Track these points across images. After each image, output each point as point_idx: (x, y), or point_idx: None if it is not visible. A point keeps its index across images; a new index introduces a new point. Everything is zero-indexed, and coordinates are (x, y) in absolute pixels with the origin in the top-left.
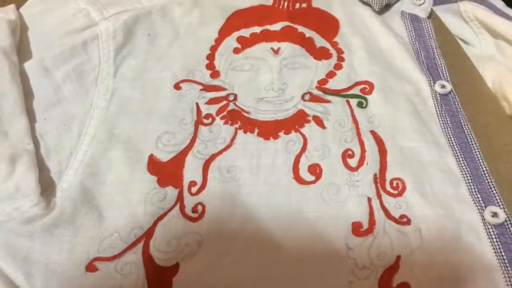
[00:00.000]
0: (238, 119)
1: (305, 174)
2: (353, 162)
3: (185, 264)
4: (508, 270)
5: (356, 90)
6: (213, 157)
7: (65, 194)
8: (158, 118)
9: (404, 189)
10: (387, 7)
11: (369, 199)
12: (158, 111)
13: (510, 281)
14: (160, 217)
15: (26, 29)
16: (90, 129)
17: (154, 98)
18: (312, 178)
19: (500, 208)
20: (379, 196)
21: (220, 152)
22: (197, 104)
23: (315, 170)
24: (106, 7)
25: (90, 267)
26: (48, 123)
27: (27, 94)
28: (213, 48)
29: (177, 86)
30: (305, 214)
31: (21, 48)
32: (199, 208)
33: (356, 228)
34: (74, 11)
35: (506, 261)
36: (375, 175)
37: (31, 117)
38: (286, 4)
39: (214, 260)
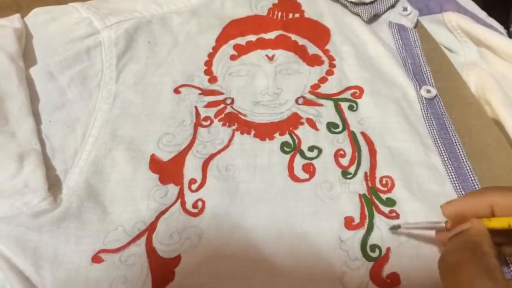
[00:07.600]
0: (235, 121)
1: (299, 173)
2: (344, 161)
3: (187, 256)
4: None
5: (347, 95)
6: (211, 156)
7: (71, 191)
8: (159, 121)
9: (393, 186)
10: (375, 17)
11: (360, 196)
12: (158, 113)
13: None
14: (162, 212)
15: (31, 37)
16: (94, 130)
17: (155, 102)
18: (306, 176)
19: None
20: (369, 193)
21: (219, 152)
22: (196, 107)
23: (309, 168)
24: (107, 16)
25: (96, 259)
26: (54, 125)
27: (33, 98)
28: (211, 55)
29: (176, 91)
30: (300, 210)
31: (27, 55)
32: (199, 204)
33: (348, 223)
34: (77, 20)
35: None
36: (365, 173)
37: (37, 119)
38: (280, 14)
39: (214, 252)
